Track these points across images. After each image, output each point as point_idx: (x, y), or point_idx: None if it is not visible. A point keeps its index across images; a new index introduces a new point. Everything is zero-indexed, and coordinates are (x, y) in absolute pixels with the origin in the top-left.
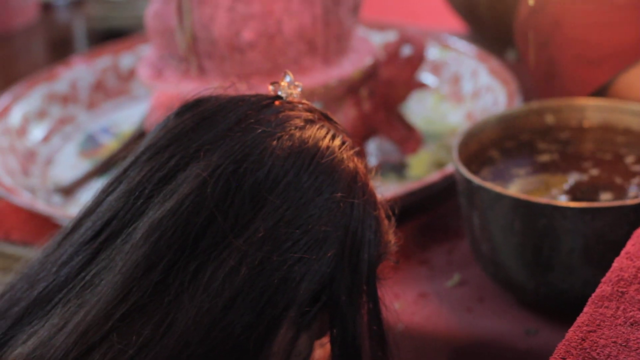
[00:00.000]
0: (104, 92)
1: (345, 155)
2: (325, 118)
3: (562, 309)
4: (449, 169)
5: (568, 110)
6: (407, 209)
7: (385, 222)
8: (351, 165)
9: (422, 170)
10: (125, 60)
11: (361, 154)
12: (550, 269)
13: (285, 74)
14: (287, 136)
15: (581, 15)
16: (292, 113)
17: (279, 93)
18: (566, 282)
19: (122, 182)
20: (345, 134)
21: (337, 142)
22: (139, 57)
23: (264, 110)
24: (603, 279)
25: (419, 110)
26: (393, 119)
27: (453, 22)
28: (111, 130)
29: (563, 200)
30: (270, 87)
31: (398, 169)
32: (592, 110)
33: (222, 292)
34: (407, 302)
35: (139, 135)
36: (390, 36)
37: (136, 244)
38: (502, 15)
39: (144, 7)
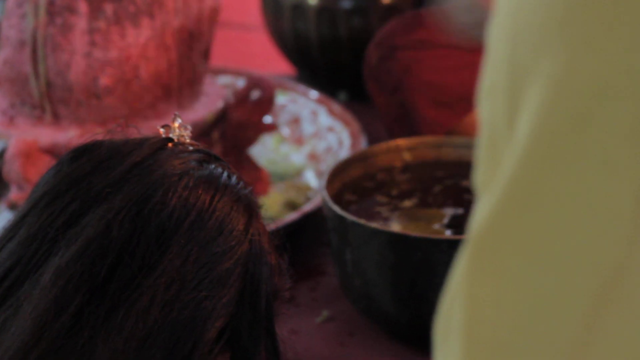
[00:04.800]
0: None
1: (242, 194)
2: (217, 159)
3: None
4: (307, 208)
5: (424, 147)
6: None
7: (277, 258)
8: (247, 203)
9: (275, 210)
10: None
11: (252, 192)
12: (425, 302)
13: (175, 117)
14: (186, 177)
15: (431, 59)
16: (186, 154)
17: (170, 135)
18: None
19: (21, 228)
20: (237, 173)
21: (234, 180)
22: None
23: (159, 152)
24: None
25: (261, 152)
26: (243, 161)
27: (281, 65)
28: None
29: (438, 234)
30: (161, 130)
31: None
32: (448, 146)
33: (135, 333)
34: (279, 340)
35: None
36: (223, 81)
37: (44, 289)
38: (333, 58)
39: None
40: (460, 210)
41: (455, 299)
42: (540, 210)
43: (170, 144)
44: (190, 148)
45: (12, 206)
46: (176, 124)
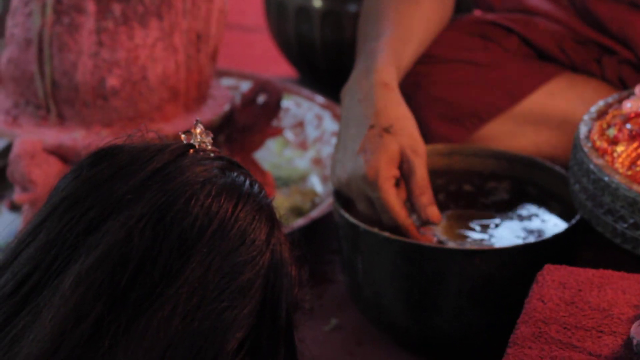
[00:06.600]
0: None
1: (264, 203)
2: (238, 166)
3: (444, 350)
4: (314, 214)
5: (435, 155)
6: None
7: (297, 269)
8: (269, 212)
9: (280, 216)
10: None
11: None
12: (437, 312)
13: (197, 123)
14: (208, 184)
15: (441, 74)
16: (208, 161)
17: (192, 141)
18: (452, 324)
19: (40, 233)
20: (258, 182)
21: (256, 189)
22: None
23: (180, 159)
24: (519, 320)
25: (264, 156)
26: (249, 164)
27: (282, 67)
28: None
29: (452, 244)
30: (183, 136)
31: None
32: (458, 155)
33: (156, 343)
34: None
35: None
36: (227, 83)
37: (64, 296)
38: (337, 62)
39: None
40: (483, 216)
41: None
42: None
43: (191, 151)
44: (212, 155)
45: (13, 207)
46: (198, 130)
